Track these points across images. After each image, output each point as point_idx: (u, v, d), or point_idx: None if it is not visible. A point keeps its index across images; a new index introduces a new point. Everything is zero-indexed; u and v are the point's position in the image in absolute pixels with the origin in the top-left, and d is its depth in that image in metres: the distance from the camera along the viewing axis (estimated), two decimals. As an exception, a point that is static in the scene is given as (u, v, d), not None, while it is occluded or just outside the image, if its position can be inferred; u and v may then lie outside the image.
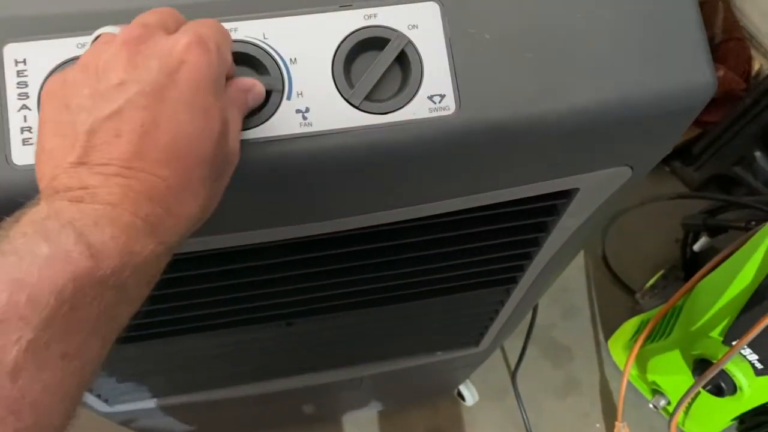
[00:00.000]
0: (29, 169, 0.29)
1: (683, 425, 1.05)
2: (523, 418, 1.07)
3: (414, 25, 0.32)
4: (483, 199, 0.39)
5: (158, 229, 0.26)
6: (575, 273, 1.24)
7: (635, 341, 1.06)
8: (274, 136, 0.31)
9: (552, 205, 0.43)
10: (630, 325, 1.13)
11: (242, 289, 0.47)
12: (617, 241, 1.25)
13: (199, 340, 0.53)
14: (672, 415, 0.93)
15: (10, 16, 0.30)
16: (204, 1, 0.31)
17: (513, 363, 1.13)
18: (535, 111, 0.32)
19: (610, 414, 1.13)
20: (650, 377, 1.06)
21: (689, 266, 1.18)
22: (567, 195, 0.41)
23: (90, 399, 0.65)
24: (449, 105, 0.32)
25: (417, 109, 0.31)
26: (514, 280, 0.54)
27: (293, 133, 0.31)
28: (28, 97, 0.30)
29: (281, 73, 0.31)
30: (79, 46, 0.30)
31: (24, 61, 0.30)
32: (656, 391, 1.06)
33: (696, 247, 1.14)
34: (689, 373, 0.94)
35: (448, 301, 0.57)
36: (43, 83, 0.29)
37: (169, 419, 0.77)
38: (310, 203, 0.36)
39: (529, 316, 1.01)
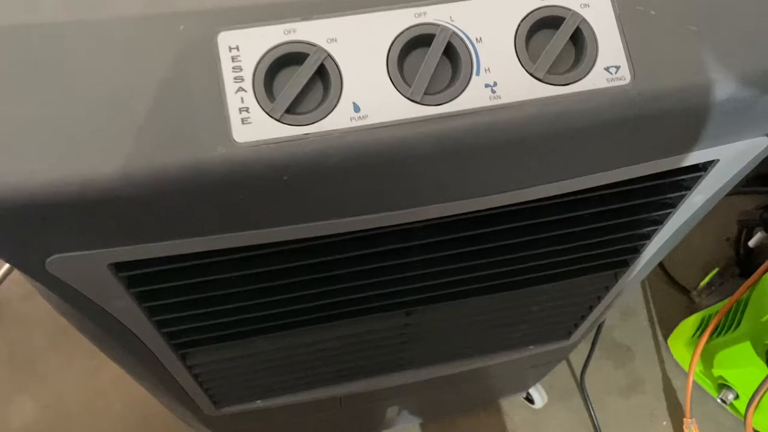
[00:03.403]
0: (249, 146, 0.31)
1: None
2: (592, 418, 1.08)
3: (585, 4, 0.34)
4: (627, 172, 0.41)
5: None
6: (629, 274, 1.26)
7: (699, 337, 1.07)
8: (467, 110, 0.33)
9: (683, 179, 0.45)
10: (690, 323, 1.14)
11: (367, 276, 0.49)
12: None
13: (321, 332, 0.55)
14: (749, 405, 0.93)
15: (221, 7, 0.32)
16: (395, -12, 0.33)
17: (575, 363, 1.14)
18: (702, 79, 0.34)
19: (675, 411, 1.14)
20: (716, 372, 1.06)
21: (745, 263, 1.19)
22: (704, 168, 0.43)
23: (201, 400, 0.66)
24: (625, 75, 0.34)
25: (596, 80, 0.34)
26: (626, 263, 0.56)
27: (484, 106, 0.33)
28: (243, 80, 0.32)
29: (469, 51, 0.33)
30: (285, 32, 0.32)
31: (237, 48, 0.32)
32: (723, 386, 1.06)
33: (751, 243, 1.15)
34: (761, 364, 0.95)
35: (556, 288, 0.58)
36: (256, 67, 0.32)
37: (264, 424, 0.78)
38: (475, 179, 0.38)
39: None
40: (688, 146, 0.39)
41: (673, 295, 1.23)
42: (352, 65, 0.33)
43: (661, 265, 1.25)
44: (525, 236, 0.48)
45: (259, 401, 0.70)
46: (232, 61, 0.32)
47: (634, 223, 0.49)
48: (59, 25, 0.31)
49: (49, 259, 0.36)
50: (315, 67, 0.32)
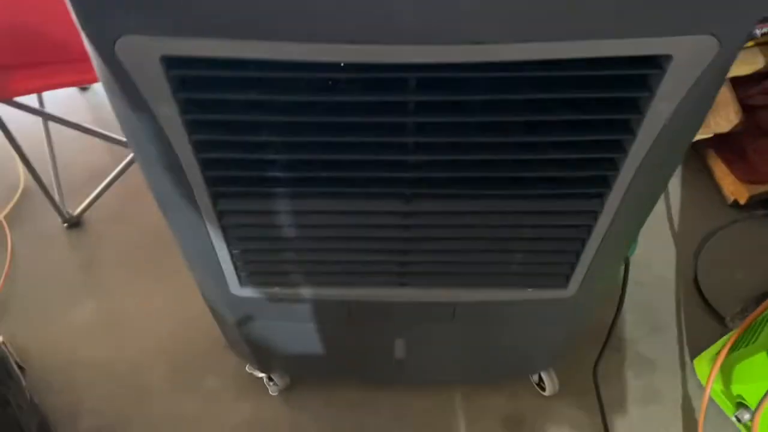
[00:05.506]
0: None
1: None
2: (602, 417, 1.09)
3: None
4: (583, 48, 0.48)
5: None
6: (665, 293, 1.27)
7: (719, 353, 1.07)
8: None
9: (645, 75, 0.51)
10: (717, 345, 1.14)
11: (370, 132, 0.57)
12: (709, 265, 1.29)
13: (329, 201, 0.64)
14: (754, 413, 0.93)
15: None
16: None
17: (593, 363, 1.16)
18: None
19: (690, 430, 1.13)
20: (735, 389, 1.06)
21: (784, 296, 1.18)
22: (660, 66, 0.49)
23: (229, 275, 0.76)
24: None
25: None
26: (607, 183, 0.62)
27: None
28: None
29: None
30: None
31: None
32: (740, 404, 1.05)
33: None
34: (776, 378, 0.94)
35: (545, 205, 0.65)
36: None
37: (284, 324, 0.87)
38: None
39: (614, 307, 1.05)
40: (632, 29, 0.46)
41: (706, 319, 1.23)
42: None
43: (698, 288, 1.25)
44: (507, 113, 0.55)
45: (276, 288, 0.79)
46: None
47: (608, 125, 0.55)
48: None
49: (118, 41, 0.47)
50: None
